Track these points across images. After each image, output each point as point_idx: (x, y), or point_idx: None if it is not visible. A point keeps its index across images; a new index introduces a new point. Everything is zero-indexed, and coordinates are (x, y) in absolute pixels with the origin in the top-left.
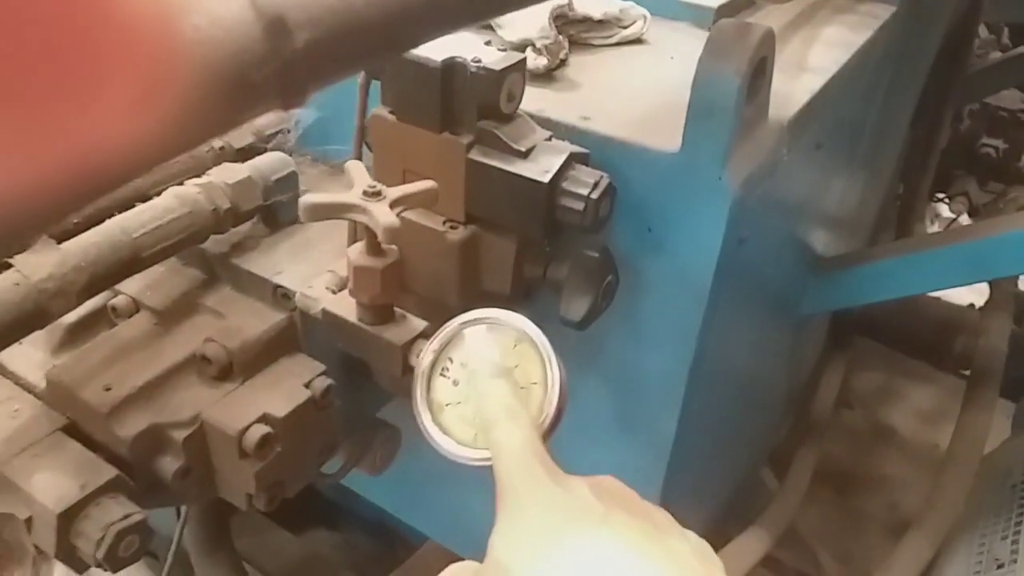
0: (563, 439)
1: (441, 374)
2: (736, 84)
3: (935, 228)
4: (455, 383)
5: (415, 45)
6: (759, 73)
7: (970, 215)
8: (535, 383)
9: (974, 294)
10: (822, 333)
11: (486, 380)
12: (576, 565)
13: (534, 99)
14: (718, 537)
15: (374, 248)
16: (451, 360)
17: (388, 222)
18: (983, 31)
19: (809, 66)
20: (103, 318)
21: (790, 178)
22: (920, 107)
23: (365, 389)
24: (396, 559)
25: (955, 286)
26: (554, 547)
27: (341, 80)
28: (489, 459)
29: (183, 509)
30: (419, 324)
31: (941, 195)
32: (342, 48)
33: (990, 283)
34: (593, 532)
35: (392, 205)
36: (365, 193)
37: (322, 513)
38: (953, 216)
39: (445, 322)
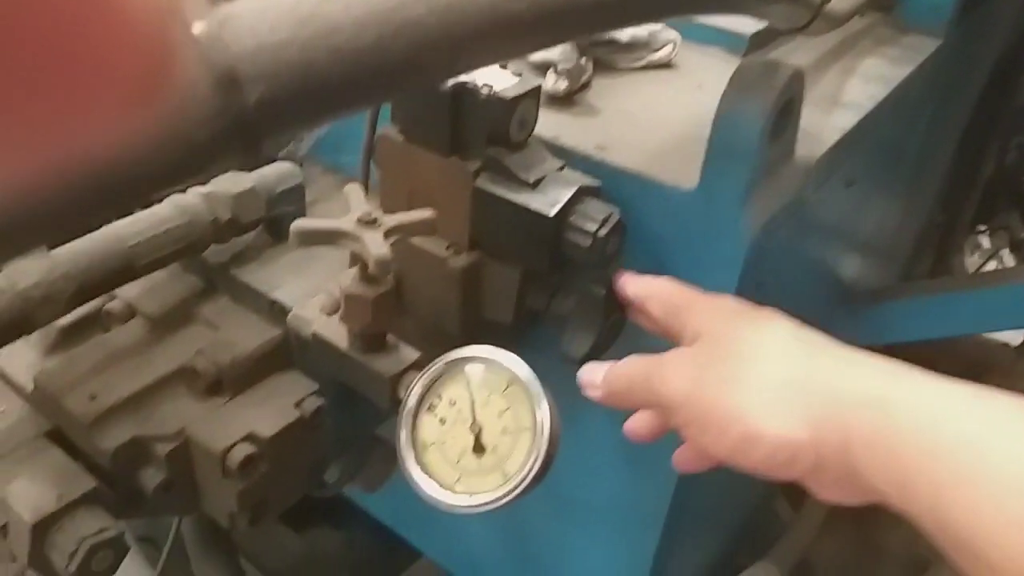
0: (570, 465)
1: (428, 410)
2: (759, 126)
3: (975, 259)
4: (442, 421)
5: (380, 103)
6: (786, 114)
7: (1011, 250)
8: (526, 428)
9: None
10: None
11: None
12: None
13: (551, 124)
14: (727, 569)
15: (367, 276)
16: (440, 397)
17: (380, 253)
18: None
19: (843, 101)
20: (97, 321)
21: (817, 215)
22: (965, 137)
23: (361, 406)
24: (398, 563)
25: (998, 330)
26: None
27: (302, 132)
28: (467, 506)
29: None
30: (411, 355)
31: (983, 227)
32: (299, 105)
33: None
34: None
35: (387, 234)
36: (360, 220)
37: (327, 510)
38: (993, 249)
39: (442, 350)
